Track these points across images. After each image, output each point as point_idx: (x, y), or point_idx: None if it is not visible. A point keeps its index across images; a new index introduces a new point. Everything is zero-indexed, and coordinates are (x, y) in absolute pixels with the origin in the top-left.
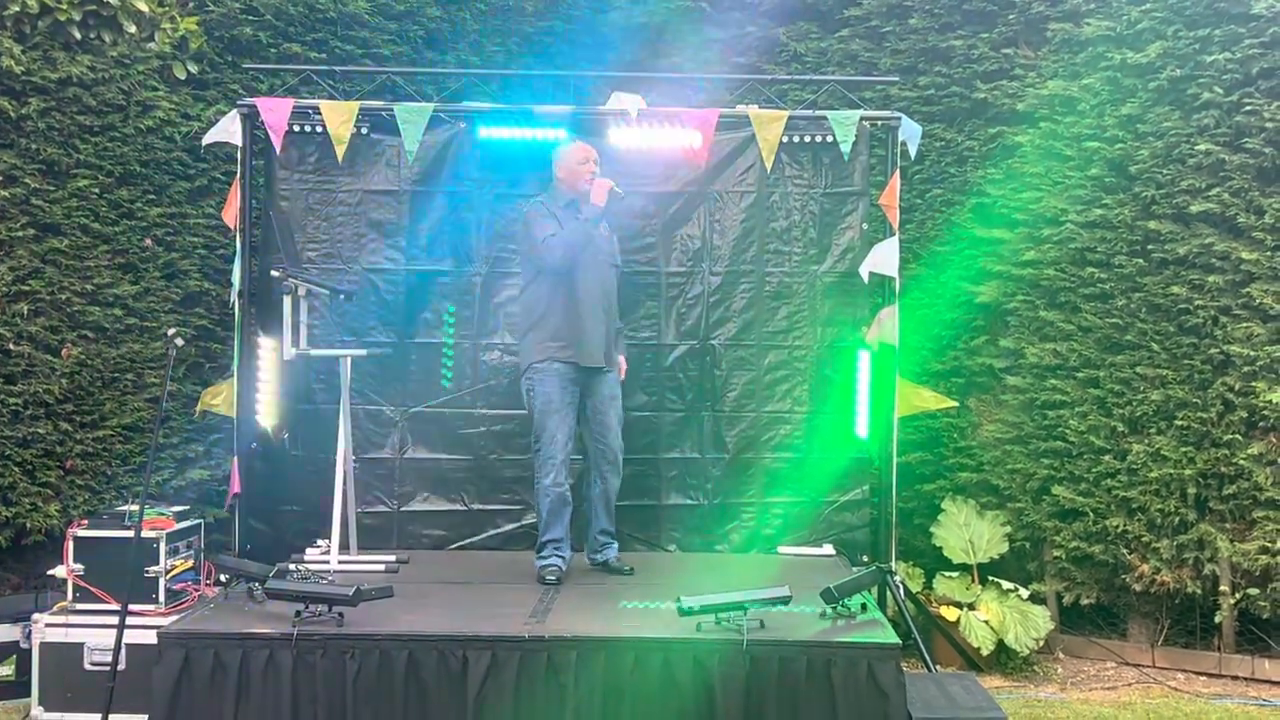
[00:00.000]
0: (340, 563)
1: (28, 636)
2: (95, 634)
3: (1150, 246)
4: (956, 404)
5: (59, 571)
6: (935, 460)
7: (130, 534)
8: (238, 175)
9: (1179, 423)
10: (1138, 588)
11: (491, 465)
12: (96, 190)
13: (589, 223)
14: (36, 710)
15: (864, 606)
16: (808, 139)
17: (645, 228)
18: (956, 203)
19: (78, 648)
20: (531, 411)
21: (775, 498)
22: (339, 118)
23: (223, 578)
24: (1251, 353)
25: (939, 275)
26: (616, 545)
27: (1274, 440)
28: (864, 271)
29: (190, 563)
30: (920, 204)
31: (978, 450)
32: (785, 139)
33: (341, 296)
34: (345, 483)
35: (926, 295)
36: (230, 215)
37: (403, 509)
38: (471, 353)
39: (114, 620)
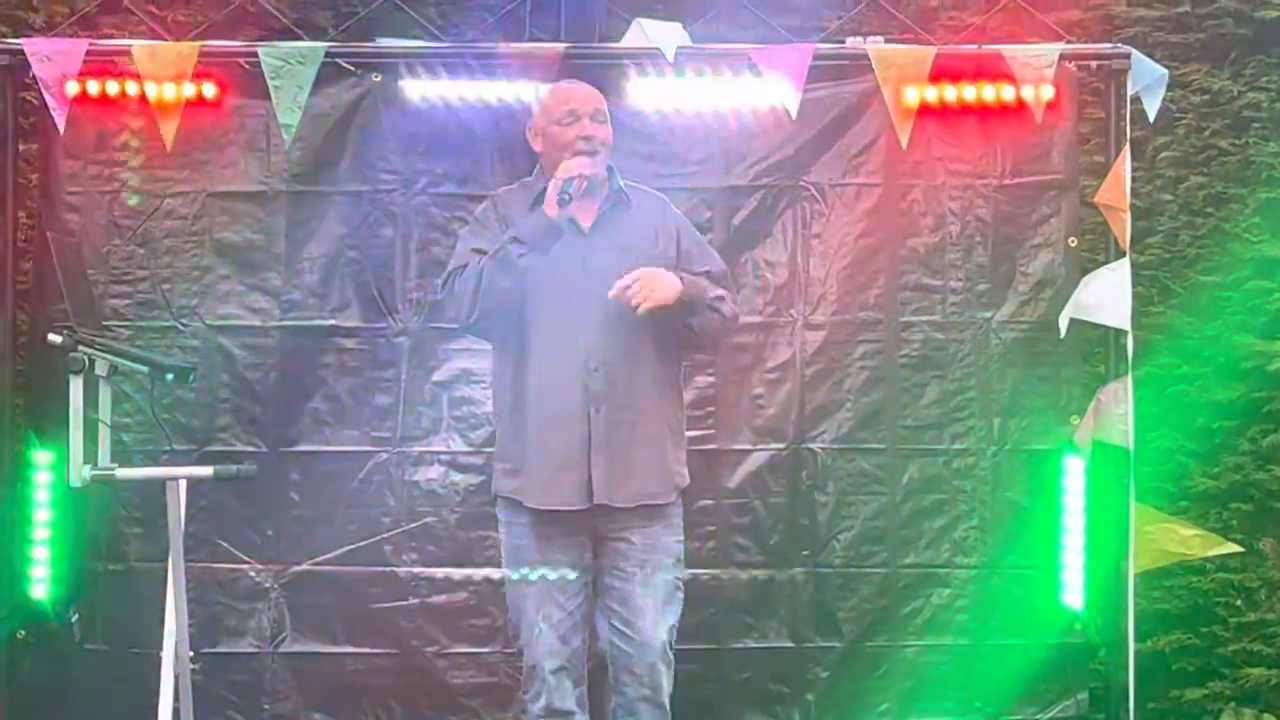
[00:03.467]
0: None
1: None
2: None
3: None
4: (1240, 549)
5: None
6: (1204, 647)
7: None
8: None
9: None
10: None
11: (431, 666)
12: None
13: (556, 236)
14: None
15: None
16: (971, 94)
17: None
18: (1232, 198)
19: None
20: None
21: (926, 716)
22: (166, 69)
23: None
24: None
25: (1203, 325)
26: None
27: None
28: (1065, 320)
29: None
30: (1169, 201)
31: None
32: (933, 94)
33: (170, 376)
34: (178, 697)
35: (1182, 360)
36: None
37: None
38: (395, 469)
39: None
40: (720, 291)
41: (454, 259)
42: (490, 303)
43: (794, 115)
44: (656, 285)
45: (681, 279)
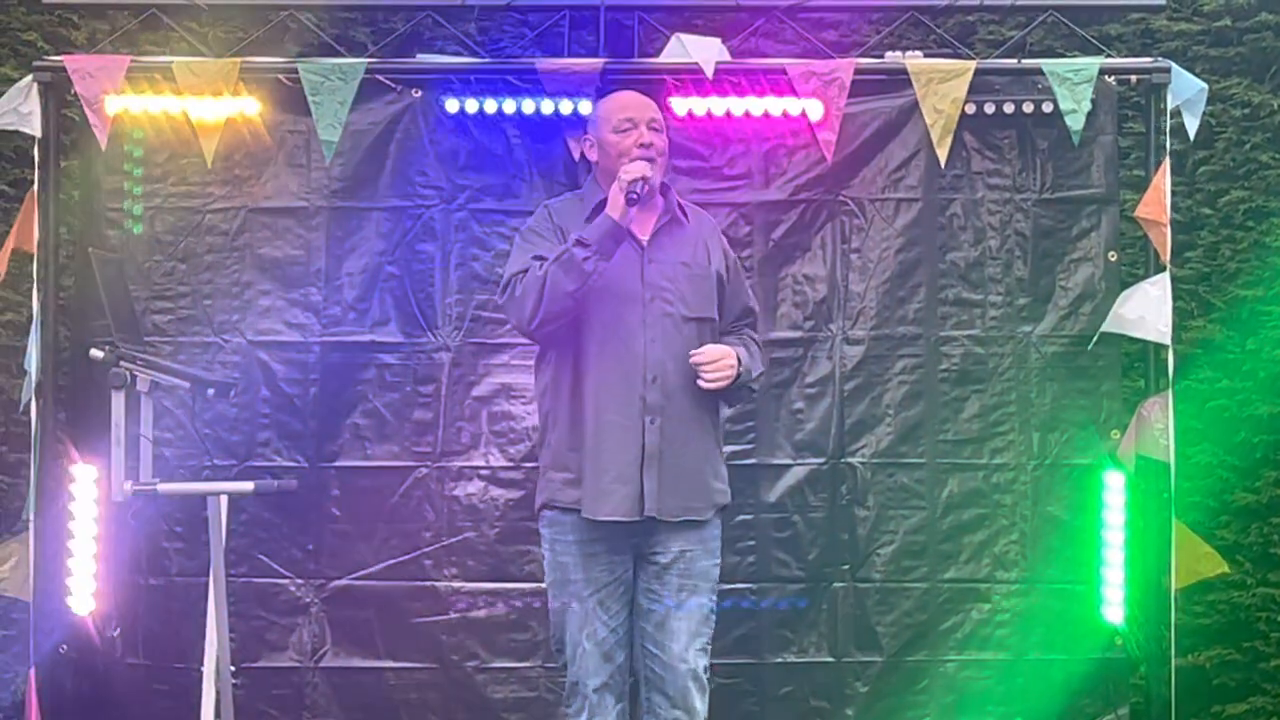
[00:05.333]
0: None
1: None
2: None
3: None
4: (1227, 570)
5: None
6: (1245, 662)
7: None
8: (34, 187)
9: None
10: None
11: (471, 681)
12: None
13: (620, 239)
14: None
15: None
16: (1010, 108)
17: None
18: (1273, 212)
19: None
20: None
21: None
22: (207, 84)
23: None
24: None
25: (1244, 339)
26: None
27: None
28: (1111, 329)
29: None
30: (1209, 215)
31: None
32: (971, 109)
33: (211, 391)
34: (219, 712)
35: (1222, 374)
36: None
37: None
38: (434, 484)
39: None
40: (760, 371)
41: (511, 265)
42: (555, 307)
43: (835, 130)
44: (726, 371)
45: (739, 362)
